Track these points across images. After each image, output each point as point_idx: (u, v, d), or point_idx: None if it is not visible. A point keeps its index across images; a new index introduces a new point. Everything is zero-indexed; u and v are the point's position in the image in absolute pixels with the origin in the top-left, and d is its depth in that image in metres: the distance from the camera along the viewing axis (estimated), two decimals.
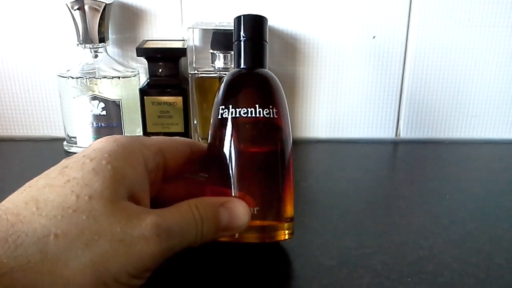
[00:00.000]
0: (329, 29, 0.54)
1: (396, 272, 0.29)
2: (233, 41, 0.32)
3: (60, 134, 0.56)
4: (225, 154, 0.29)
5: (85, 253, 0.21)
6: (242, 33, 0.32)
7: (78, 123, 0.51)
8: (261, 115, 0.29)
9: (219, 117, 0.30)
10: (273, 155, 0.30)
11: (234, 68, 0.33)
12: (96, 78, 0.50)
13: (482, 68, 0.56)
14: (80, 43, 0.50)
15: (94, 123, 0.51)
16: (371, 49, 0.55)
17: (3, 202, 0.22)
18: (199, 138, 0.53)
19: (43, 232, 0.20)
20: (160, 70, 0.51)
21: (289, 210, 0.31)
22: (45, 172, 0.24)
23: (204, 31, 0.53)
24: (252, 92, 0.32)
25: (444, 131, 0.59)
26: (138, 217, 0.23)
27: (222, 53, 0.50)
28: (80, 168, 0.23)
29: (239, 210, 0.27)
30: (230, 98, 0.30)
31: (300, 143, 0.57)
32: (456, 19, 0.54)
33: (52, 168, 0.24)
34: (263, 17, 0.32)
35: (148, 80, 0.52)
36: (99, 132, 0.51)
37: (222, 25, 0.51)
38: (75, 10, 0.48)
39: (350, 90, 0.57)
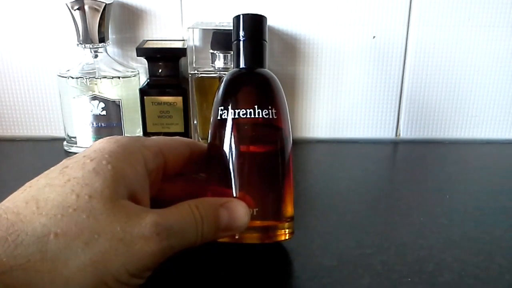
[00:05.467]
0: (329, 29, 0.54)
1: (396, 272, 0.29)
2: (232, 40, 0.32)
3: (60, 134, 0.56)
4: (225, 155, 0.29)
5: (85, 252, 0.21)
6: (241, 33, 0.32)
7: (78, 123, 0.51)
8: (260, 116, 0.29)
9: (218, 118, 0.30)
10: (273, 155, 0.30)
11: (233, 68, 0.33)
12: (96, 78, 0.50)
13: (482, 68, 0.56)
14: (80, 43, 0.50)
15: (94, 123, 0.51)
16: (371, 49, 0.55)
17: (4, 202, 0.22)
18: (199, 138, 0.53)
19: (43, 231, 0.20)
20: (160, 70, 0.51)
21: (289, 210, 0.31)
22: (45, 172, 0.24)
23: (204, 31, 0.53)
24: (251, 92, 0.32)
25: (444, 131, 0.59)
26: (138, 216, 0.23)
27: (222, 53, 0.50)
28: (81, 168, 0.23)
29: (239, 211, 0.27)
30: (229, 98, 0.30)
31: (300, 143, 0.57)
32: (456, 19, 0.54)
33: (52, 168, 0.24)
34: (262, 16, 0.32)
35: (148, 80, 0.52)
36: (99, 132, 0.51)
37: (222, 25, 0.51)
38: (75, 10, 0.48)
39: (350, 90, 0.57)
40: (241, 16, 0.32)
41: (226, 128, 0.29)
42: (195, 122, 0.52)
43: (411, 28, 0.54)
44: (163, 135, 0.51)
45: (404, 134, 0.59)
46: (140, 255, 0.22)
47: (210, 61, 0.51)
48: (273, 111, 0.30)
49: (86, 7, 0.48)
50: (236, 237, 0.29)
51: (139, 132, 0.54)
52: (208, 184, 0.31)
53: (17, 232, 0.20)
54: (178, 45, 0.51)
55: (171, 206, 0.25)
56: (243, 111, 0.29)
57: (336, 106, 0.57)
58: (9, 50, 0.55)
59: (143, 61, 0.52)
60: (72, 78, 0.50)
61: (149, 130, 0.51)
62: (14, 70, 0.56)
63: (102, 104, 0.50)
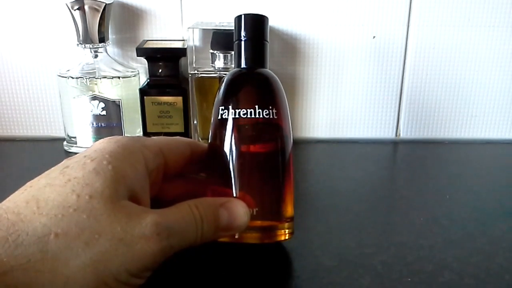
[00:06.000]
0: (329, 29, 0.54)
1: (396, 272, 0.29)
2: (234, 40, 0.32)
3: (60, 134, 0.56)
4: (225, 155, 0.29)
5: (86, 252, 0.21)
6: (242, 33, 0.32)
7: (78, 123, 0.51)
8: (261, 116, 0.29)
9: (219, 117, 0.30)
10: (273, 155, 0.30)
11: (234, 68, 0.33)
12: (96, 78, 0.50)
13: (482, 68, 0.56)
14: (80, 43, 0.50)
15: (94, 123, 0.51)
16: (371, 49, 0.55)
17: (4, 202, 0.22)
18: (199, 138, 0.53)
19: (43, 231, 0.20)
20: (160, 70, 0.51)
21: (289, 210, 0.31)
22: (46, 172, 0.24)
23: (204, 31, 0.53)
24: (252, 92, 0.32)
25: (444, 131, 0.59)
26: (138, 216, 0.23)
27: (222, 53, 0.50)
28: (81, 168, 0.23)
29: (238, 210, 0.27)
30: (230, 98, 0.30)
31: (300, 143, 0.57)
32: (456, 19, 0.54)
33: (53, 168, 0.24)
34: (264, 16, 0.32)
35: (148, 80, 0.52)
36: (99, 132, 0.51)
37: (222, 25, 0.51)
38: (75, 10, 0.48)
39: (350, 90, 0.57)
40: (243, 16, 0.32)
41: (227, 128, 0.29)
42: (195, 122, 0.52)
43: (411, 28, 0.54)
44: (163, 135, 0.51)
45: (404, 134, 0.59)
46: (141, 255, 0.22)
47: (210, 61, 0.51)
48: (274, 111, 0.30)
49: (86, 7, 0.48)
50: (236, 237, 0.29)
51: (139, 132, 0.54)
52: (209, 184, 0.31)
53: (17, 232, 0.20)
54: (178, 45, 0.51)
55: (171, 206, 0.25)
56: (243, 111, 0.29)
57: (336, 106, 0.57)
58: (9, 50, 0.55)
59: (143, 61, 0.52)
60: (72, 78, 0.50)
61: (149, 130, 0.51)
62: (14, 70, 0.56)
63: (102, 104, 0.50)
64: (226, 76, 0.32)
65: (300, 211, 0.33)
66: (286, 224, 0.30)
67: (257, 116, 0.29)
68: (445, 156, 0.54)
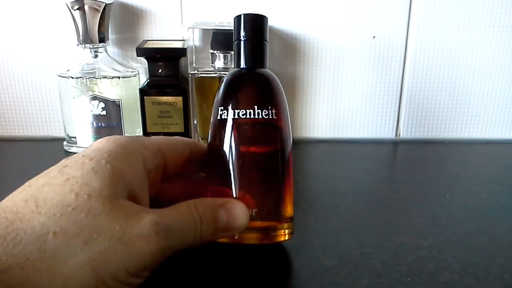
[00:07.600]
0: (329, 29, 0.54)
1: (396, 272, 0.29)
2: (233, 40, 0.32)
3: (60, 134, 0.56)
4: (225, 155, 0.29)
5: (84, 251, 0.21)
6: (242, 33, 0.31)
7: (78, 123, 0.51)
8: (260, 116, 0.29)
9: (218, 118, 0.30)
10: (272, 155, 0.30)
11: (234, 68, 0.33)
12: (96, 78, 0.50)
13: (482, 68, 0.56)
14: (80, 43, 0.50)
15: (94, 123, 0.51)
16: (371, 49, 0.55)
17: (3, 201, 0.22)
18: (199, 138, 0.53)
19: (42, 230, 0.20)
20: (160, 70, 0.51)
21: (289, 210, 0.30)
22: (45, 172, 0.24)
23: (204, 31, 0.53)
24: (251, 92, 0.32)
25: (444, 131, 0.59)
26: (137, 216, 0.23)
27: (222, 53, 0.50)
28: (80, 167, 0.23)
29: (238, 211, 0.27)
30: (229, 98, 0.30)
31: (300, 143, 0.57)
32: (456, 19, 0.54)
33: (52, 167, 0.24)
34: (263, 16, 0.32)
35: (148, 80, 0.52)
36: (99, 132, 0.51)
37: (222, 25, 0.51)
38: (75, 10, 0.48)
39: (350, 90, 0.57)
40: (242, 16, 0.32)
41: (226, 128, 0.29)
42: (195, 122, 0.52)
43: (411, 28, 0.54)
44: (163, 135, 0.51)
45: (404, 134, 0.59)
46: (139, 254, 0.22)
47: (210, 61, 0.51)
48: (273, 111, 0.30)
49: (86, 7, 0.48)
50: (236, 237, 0.29)
51: (139, 132, 0.54)
52: (208, 184, 0.30)
53: (16, 231, 0.20)
54: (178, 45, 0.51)
55: (170, 206, 0.25)
56: (243, 111, 0.29)
57: (336, 106, 0.57)
58: (9, 50, 0.55)
59: (143, 61, 0.52)
60: (72, 78, 0.50)
61: (149, 130, 0.51)
62: (14, 70, 0.56)
63: (102, 104, 0.50)
64: (226, 76, 0.32)
65: (300, 211, 0.33)
66: (286, 225, 0.30)
67: (256, 116, 0.29)
68: (445, 156, 0.54)
